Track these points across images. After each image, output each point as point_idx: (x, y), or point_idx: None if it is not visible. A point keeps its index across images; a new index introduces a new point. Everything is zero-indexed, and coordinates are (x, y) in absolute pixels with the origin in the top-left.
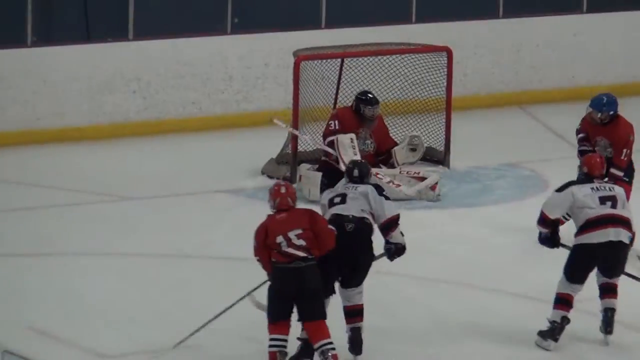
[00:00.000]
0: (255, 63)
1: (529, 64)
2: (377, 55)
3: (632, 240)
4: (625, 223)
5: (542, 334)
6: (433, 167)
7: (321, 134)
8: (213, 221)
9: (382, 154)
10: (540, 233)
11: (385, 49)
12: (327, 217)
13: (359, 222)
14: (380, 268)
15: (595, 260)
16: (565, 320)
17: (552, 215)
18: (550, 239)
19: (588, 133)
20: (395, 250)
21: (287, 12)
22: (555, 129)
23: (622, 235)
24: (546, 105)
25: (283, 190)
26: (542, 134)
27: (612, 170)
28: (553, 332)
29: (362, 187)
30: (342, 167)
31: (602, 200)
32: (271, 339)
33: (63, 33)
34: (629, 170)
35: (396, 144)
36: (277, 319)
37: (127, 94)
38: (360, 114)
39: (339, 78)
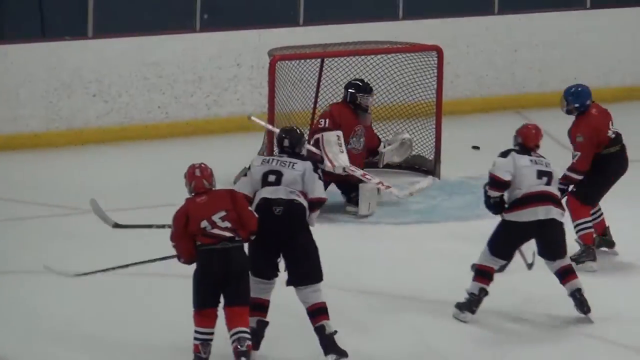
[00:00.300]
0: (226, 63)
1: (527, 65)
2: (361, 55)
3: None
4: (555, 201)
5: (459, 306)
6: (422, 177)
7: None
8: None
9: (371, 153)
10: (488, 198)
11: (369, 48)
12: (255, 188)
13: (287, 204)
14: (366, 288)
15: (523, 238)
16: (483, 292)
17: (504, 177)
18: (498, 204)
19: None
20: None
21: (262, 8)
22: (555, 136)
23: (552, 212)
24: (546, 110)
25: (198, 172)
26: (542, 141)
27: (565, 171)
28: (470, 304)
29: (299, 165)
30: (327, 165)
31: (540, 174)
32: (196, 332)
33: (15, 30)
34: (584, 177)
35: (379, 142)
36: (204, 305)
37: (86, 97)
38: (356, 104)
39: (319, 80)
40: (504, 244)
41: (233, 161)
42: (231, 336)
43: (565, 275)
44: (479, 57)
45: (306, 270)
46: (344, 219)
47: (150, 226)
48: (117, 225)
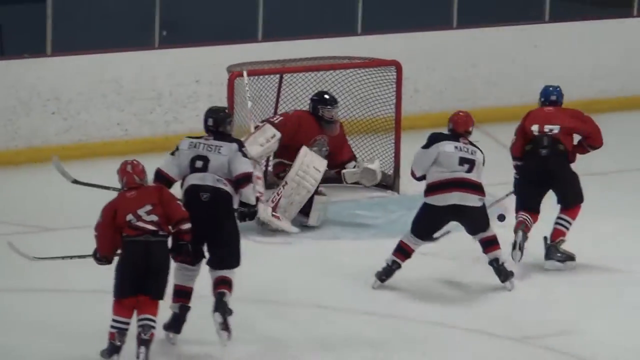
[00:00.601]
0: (185, 80)
1: (486, 79)
2: (319, 70)
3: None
4: (474, 187)
5: (376, 275)
6: (381, 191)
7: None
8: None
9: (337, 166)
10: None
11: (328, 63)
12: (183, 173)
13: (214, 192)
14: (322, 303)
15: (440, 222)
16: (396, 264)
17: (417, 174)
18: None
19: None
20: (247, 214)
21: (221, 24)
22: None
23: (468, 199)
24: (505, 124)
25: (129, 168)
26: (500, 155)
27: None
28: (381, 273)
29: (225, 149)
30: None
31: (462, 161)
32: (113, 320)
33: None
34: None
35: (353, 157)
36: (123, 294)
37: (45, 114)
38: (319, 116)
39: (278, 95)
40: (422, 225)
41: None
42: (138, 321)
43: (487, 245)
44: (438, 72)
45: (225, 256)
46: (303, 235)
47: (107, 187)
48: (75, 182)
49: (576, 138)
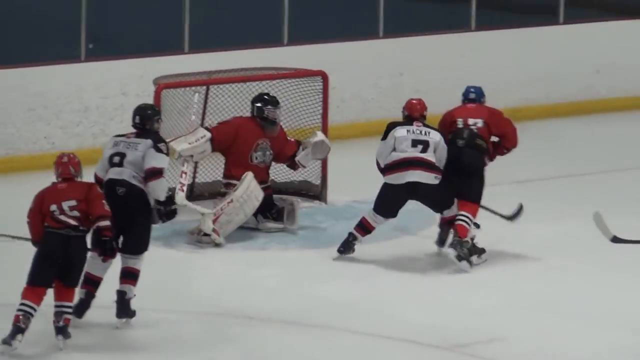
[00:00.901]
0: (112, 92)
1: (413, 88)
2: (246, 81)
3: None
4: (428, 165)
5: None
6: (309, 202)
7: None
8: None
9: (288, 160)
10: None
11: (254, 74)
12: (106, 169)
13: (129, 187)
14: (253, 314)
15: (399, 199)
16: (352, 237)
17: (381, 164)
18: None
19: None
20: (163, 213)
21: (147, 36)
22: None
23: (423, 176)
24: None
25: (65, 159)
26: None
27: None
28: (343, 244)
29: (141, 146)
30: (172, 143)
31: (414, 143)
32: (21, 303)
33: None
34: None
35: (298, 145)
36: (36, 283)
37: None
38: (263, 118)
39: (204, 107)
40: (383, 203)
41: None
42: (55, 307)
43: (451, 223)
44: (365, 81)
45: (133, 243)
46: (231, 245)
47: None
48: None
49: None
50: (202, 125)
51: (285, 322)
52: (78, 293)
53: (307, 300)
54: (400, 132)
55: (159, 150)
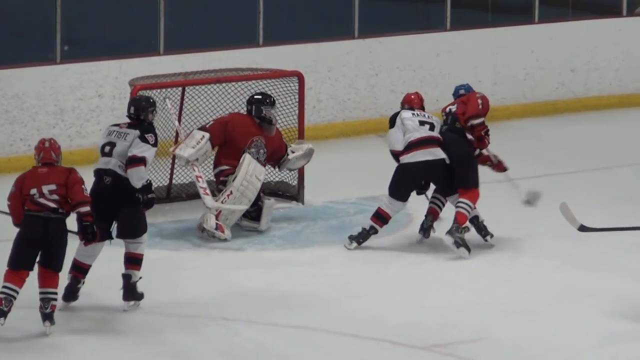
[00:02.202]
0: (88, 94)
1: (389, 88)
2: (222, 82)
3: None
4: (440, 143)
5: (350, 237)
6: (286, 202)
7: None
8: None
9: (276, 161)
10: (393, 155)
11: (230, 75)
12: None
13: (115, 176)
14: (233, 315)
15: (414, 179)
16: (373, 230)
17: (398, 148)
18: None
19: None
20: (143, 202)
21: (122, 38)
22: None
23: (438, 153)
24: None
25: (47, 144)
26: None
27: None
28: (359, 237)
29: (130, 136)
30: (177, 151)
31: (421, 123)
32: (3, 286)
33: None
34: None
35: (286, 148)
36: (17, 267)
37: None
38: (262, 117)
39: (180, 109)
40: (397, 184)
41: None
42: (40, 294)
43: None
44: (341, 82)
45: (126, 227)
46: (211, 245)
47: None
48: None
49: None
50: (178, 126)
51: (263, 322)
52: (68, 277)
53: (285, 301)
54: (406, 114)
55: (144, 140)
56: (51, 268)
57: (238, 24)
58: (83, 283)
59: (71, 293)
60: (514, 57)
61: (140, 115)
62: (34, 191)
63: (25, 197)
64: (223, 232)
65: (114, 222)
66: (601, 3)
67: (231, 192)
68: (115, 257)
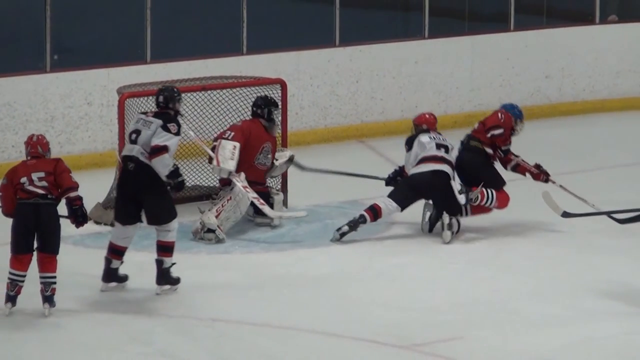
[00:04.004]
0: (77, 102)
1: (369, 95)
2: (206, 90)
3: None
4: (449, 164)
5: (339, 228)
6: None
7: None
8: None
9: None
10: (388, 176)
11: (214, 83)
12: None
13: (137, 163)
14: (220, 316)
15: (417, 189)
16: (362, 219)
17: (409, 172)
18: (393, 179)
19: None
20: (172, 186)
21: (110, 47)
22: (398, 163)
23: (445, 167)
24: (388, 138)
25: (34, 139)
26: (384, 169)
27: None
28: (349, 222)
29: (153, 125)
30: (214, 164)
31: (438, 146)
32: (10, 272)
33: None
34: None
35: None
36: (17, 251)
37: None
38: (270, 120)
39: None
40: (400, 191)
41: (86, 197)
42: (40, 279)
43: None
44: (322, 89)
45: (153, 214)
46: (197, 247)
47: None
48: None
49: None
50: None
51: (250, 323)
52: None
53: (271, 302)
54: (424, 138)
55: (166, 129)
56: (47, 251)
57: (222, 33)
58: (122, 263)
59: (107, 274)
60: (491, 64)
61: (169, 104)
62: (23, 179)
63: (16, 187)
64: (222, 231)
65: (141, 208)
66: (575, 11)
67: (230, 198)
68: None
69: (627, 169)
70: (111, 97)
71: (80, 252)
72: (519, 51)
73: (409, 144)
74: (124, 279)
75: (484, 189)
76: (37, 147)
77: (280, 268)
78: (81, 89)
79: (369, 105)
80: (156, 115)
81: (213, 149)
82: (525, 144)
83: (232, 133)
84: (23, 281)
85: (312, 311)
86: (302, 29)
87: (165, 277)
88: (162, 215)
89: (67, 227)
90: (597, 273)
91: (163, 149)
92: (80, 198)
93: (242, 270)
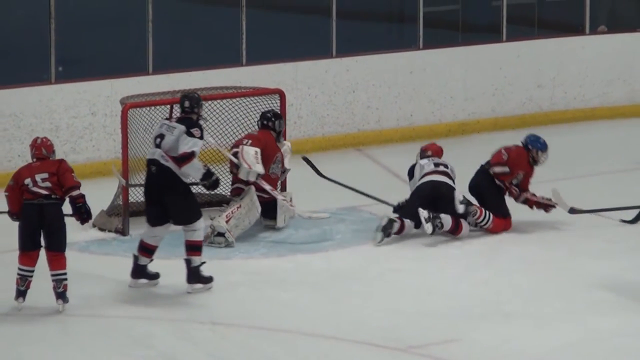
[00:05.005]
0: (81, 112)
1: (365, 104)
2: (207, 100)
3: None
4: (450, 177)
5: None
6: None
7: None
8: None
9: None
10: (398, 204)
11: (215, 93)
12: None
13: (159, 166)
14: (220, 320)
15: (420, 197)
16: (393, 221)
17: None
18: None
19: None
20: (207, 186)
21: (113, 59)
22: (394, 170)
23: (446, 179)
24: (384, 146)
25: (38, 141)
26: (381, 176)
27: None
28: (385, 227)
29: (176, 130)
30: (244, 168)
31: (436, 165)
32: (19, 268)
33: None
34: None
35: None
36: (25, 249)
37: None
38: (279, 131)
39: None
40: (409, 206)
41: (91, 205)
42: (51, 276)
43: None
44: (320, 99)
45: (177, 214)
46: None
47: None
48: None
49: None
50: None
51: (250, 326)
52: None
53: (270, 306)
54: (423, 161)
55: (190, 134)
56: (54, 249)
57: (222, 45)
58: (151, 260)
59: (136, 271)
60: (484, 74)
61: (194, 108)
62: (27, 181)
63: (22, 188)
64: (232, 235)
65: (167, 209)
66: (565, 22)
67: (240, 206)
68: (110, 263)
69: (618, 176)
70: (114, 107)
71: (85, 259)
72: (511, 61)
73: (411, 173)
74: (154, 276)
75: (483, 209)
76: (41, 149)
77: (279, 273)
78: (85, 99)
79: (365, 114)
80: (179, 120)
81: (235, 154)
82: None
83: (250, 141)
84: (32, 276)
85: (311, 315)
86: (300, 40)
87: (195, 276)
88: (187, 215)
89: (72, 232)
90: (593, 274)
91: (191, 155)
92: (82, 196)
93: (242, 275)
